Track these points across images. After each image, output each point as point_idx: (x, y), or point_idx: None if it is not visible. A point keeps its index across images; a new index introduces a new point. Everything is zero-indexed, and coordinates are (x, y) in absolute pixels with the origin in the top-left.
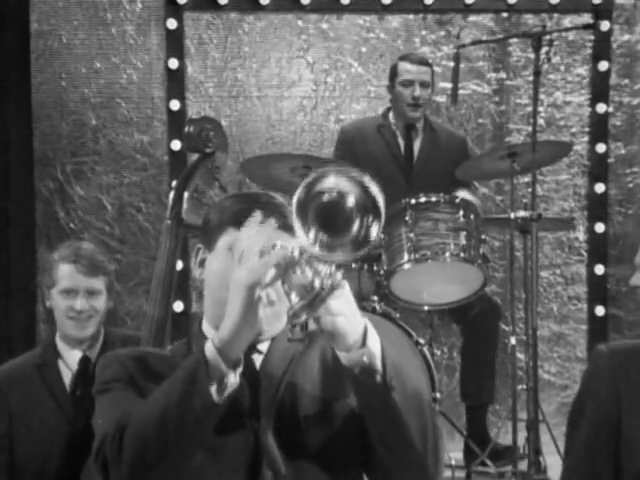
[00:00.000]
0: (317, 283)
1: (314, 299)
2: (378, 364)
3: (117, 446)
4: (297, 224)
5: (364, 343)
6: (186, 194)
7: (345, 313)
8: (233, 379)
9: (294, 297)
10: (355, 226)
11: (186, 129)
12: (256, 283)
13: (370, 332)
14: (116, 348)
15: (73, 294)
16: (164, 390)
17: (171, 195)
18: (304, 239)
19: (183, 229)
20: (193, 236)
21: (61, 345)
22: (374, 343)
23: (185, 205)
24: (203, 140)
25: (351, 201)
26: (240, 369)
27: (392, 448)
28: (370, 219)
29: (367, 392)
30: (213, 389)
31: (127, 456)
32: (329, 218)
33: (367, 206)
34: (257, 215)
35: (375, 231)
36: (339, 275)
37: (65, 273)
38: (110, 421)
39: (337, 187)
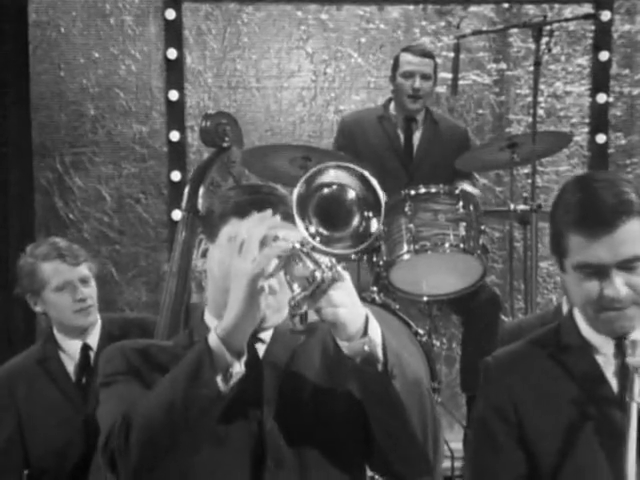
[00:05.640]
0: (318, 275)
1: (315, 290)
2: (379, 353)
3: (124, 439)
4: (297, 218)
5: (365, 332)
6: (202, 187)
7: (346, 304)
8: (238, 368)
9: (296, 287)
10: (355, 220)
11: (203, 124)
12: (259, 274)
13: (371, 322)
14: (116, 333)
15: (70, 287)
16: (169, 381)
17: (187, 188)
18: (304, 233)
19: (198, 221)
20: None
21: (60, 337)
22: (375, 332)
23: (201, 198)
24: (220, 135)
25: (351, 194)
26: (244, 358)
27: (393, 436)
28: (370, 213)
29: (369, 381)
30: (218, 378)
31: (134, 448)
32: (329, 211)
33: (367, 200)
34: (268, 212)
35: (375, 225)
36: (339, 267)
37: (53, 271)
38: (115, 414)
39: (337, 180)
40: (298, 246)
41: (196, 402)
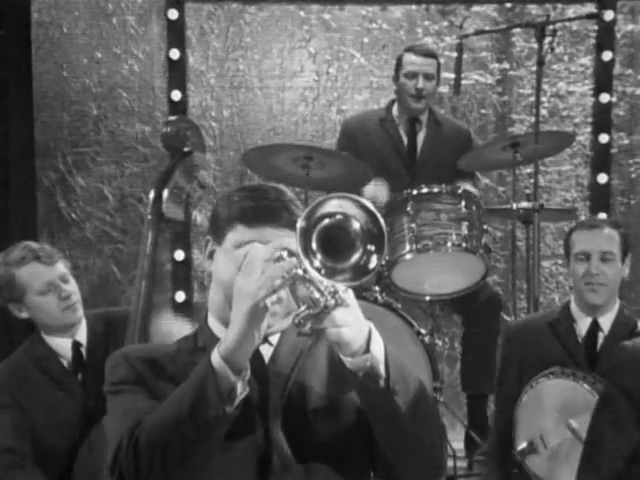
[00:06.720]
0: (321, 301)
1: (318, 314)
2: (381, 369)
3: (132, 460)
4: (302, 254)
5: (368, 349)
6: (166, 191)
7: (349, 323)
8: (241, 388)
9: (300, 304)
10: (357, 252)
11: (163, 129)
12: (262, 296)
13: (374, 337)
14: (102, 328)
15: (54, 287)
16: (175, 402)
17: (151, 192)
18: (309, 268)
19: (164, 224)
20: (173, 230)
21: (48, 338)
22: (378, 348)
23: (165, 201)
24: (180, 139)
25: (355, 225)
26: (247, 376)
27: (395, 447)
28: (373, 246)
29: (371, 396)
30: (223, 399)
31: (143, 468)
32: (333, 241)
33: (371, 232)
34: (274, 226)
35: (375, 261)
36: (342, 292)
37: (32, 274)
38: (121, 428)
39: (342, 210)
40: (301, 272)
41: (202, 423)
